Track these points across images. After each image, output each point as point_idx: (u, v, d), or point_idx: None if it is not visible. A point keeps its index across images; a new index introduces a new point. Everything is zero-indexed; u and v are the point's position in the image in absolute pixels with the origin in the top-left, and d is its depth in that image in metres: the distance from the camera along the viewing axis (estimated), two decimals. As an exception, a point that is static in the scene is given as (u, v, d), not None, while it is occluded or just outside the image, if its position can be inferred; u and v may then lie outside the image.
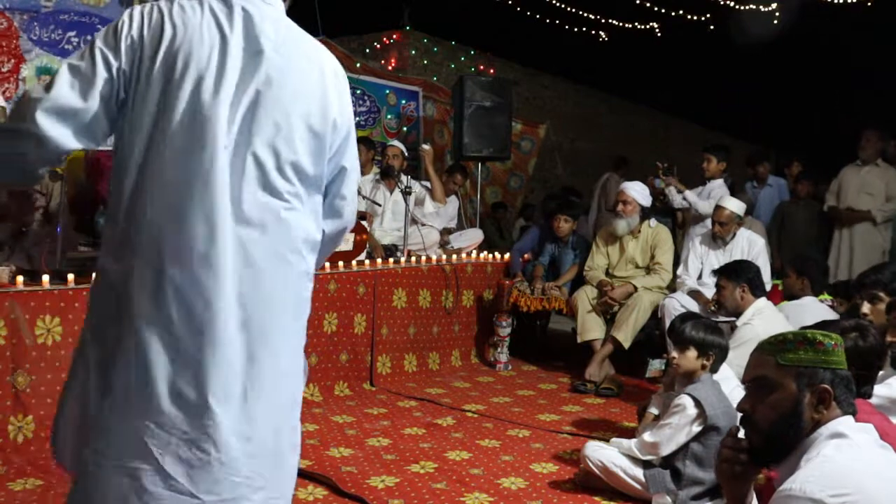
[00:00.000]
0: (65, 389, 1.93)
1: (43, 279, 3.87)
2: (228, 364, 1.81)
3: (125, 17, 1.85)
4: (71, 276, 3.94)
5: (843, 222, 7.18)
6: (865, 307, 3.69)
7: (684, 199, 6.66)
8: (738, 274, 4.61)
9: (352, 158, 2.10)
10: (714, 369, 3.58)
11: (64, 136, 1.80)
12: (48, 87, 1.80)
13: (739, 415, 2.04)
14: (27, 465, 3.62)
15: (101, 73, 1.80)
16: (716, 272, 4.83)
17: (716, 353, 3.55)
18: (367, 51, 11.64)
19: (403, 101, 9.42)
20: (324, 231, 2.07)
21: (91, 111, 1.81)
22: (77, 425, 1.89)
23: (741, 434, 2.01)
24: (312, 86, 1.95)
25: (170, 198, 1.79)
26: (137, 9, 1.86)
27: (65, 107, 1.79)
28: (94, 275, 1.96)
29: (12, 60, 6.12)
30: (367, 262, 5.48)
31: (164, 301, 1.78)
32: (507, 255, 6.72)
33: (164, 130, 1.80)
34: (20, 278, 3.85)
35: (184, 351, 1.79)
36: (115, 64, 1.82)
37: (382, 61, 11.35)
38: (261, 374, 1.86)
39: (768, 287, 5.15)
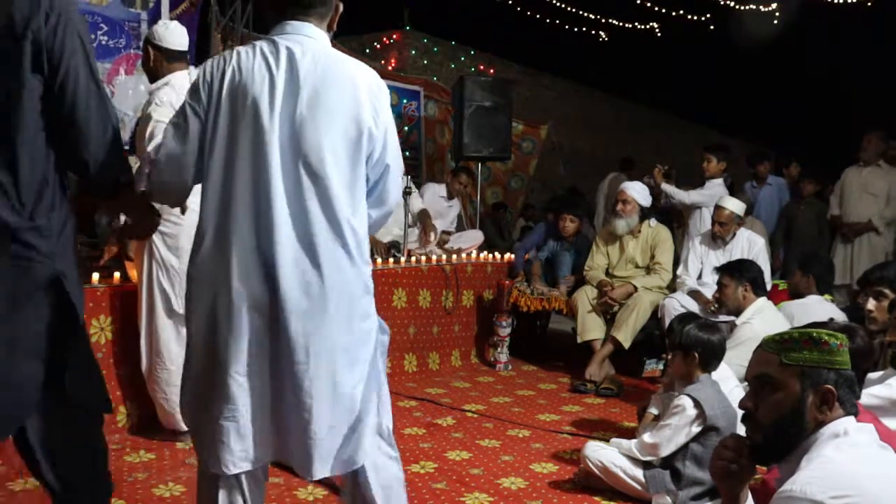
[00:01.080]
0: None
1: (43, 279, 3.86)
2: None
3: (200, 70, 2.30)
4: (71, 276, 3.93)
5: (846, 236, 7.20)
6: (870, 304, 3.68)
7: (664, 191, 6.68)
8: (741, 273, 4.60)
9: (393, 156, 2.42)
10: (709, 368, 3.56)
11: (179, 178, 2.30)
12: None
13: (739, 414, 2.04)
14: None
15: (193, 120, 2.26)
16: (718, 270, 4.81)
17: (700, 352, 3.53)
18: (368, 51, 11.65)
19: (405, 101, 9.42)
20: (370, 215, 2.42)
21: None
22: None
23: (741, 433, 2.01)
24: (347, 104, 2.29)
25: (244, 210, 2.20)
26: (208, 61, 2.30)
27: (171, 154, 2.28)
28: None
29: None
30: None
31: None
32: (507, 255, 6.72)
33: (235, 155, 2.21)
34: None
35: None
36: (198, 108, 2.26)
37: (382, 61, 11.37)
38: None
39: (768, 287, 5.15)
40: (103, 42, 6.56)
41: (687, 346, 3.54)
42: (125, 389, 4.07)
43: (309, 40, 2.31)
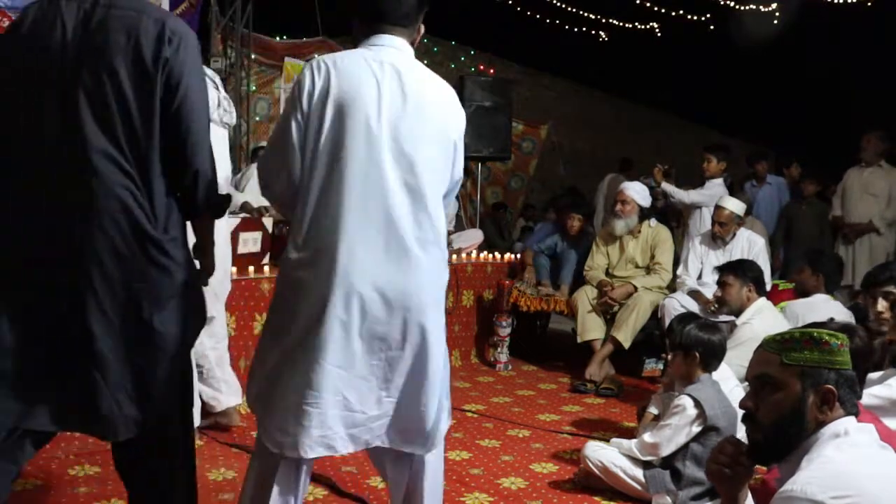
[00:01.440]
0: None
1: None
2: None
3: (299, 77, 2.36)
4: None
5: (847, 238, 7.20)
6: (881, 304, 3.65)
7: (664, 190, 6.67)
8: (745, 272, 4.57)
9: (461, 169, 2.60)
10: (709, 368, 3.56)
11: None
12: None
13: (740, 414, 2.04)
14: (27, 465, 3.61)
15: (294, 128, 2.33)
16: (720, 268, 4.78)
17: (701, 352, 3.53)
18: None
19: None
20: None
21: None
22: None
23: (741, 436, 2.01)
24: (442, 119, 2.46)
25: (351, 215, 2.31)
26: (307, 69, 2.36)
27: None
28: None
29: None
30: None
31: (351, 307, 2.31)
32: (507, 255, 6.72)
33: (343, 164, 2.31)
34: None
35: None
36: (299, 116, 2.33)
37: (383, 61, 11.34)
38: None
39: (768, 287, 5.14)
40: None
41: (688, 345, 3.54)
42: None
43: (404, 54, 2.45)
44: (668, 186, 6.67)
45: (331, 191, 2.32)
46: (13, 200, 2.20)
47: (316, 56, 2.40)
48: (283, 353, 2.37)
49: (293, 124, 2.34)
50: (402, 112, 2.36)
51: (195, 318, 2.41)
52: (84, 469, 3.64)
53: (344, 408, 2.35)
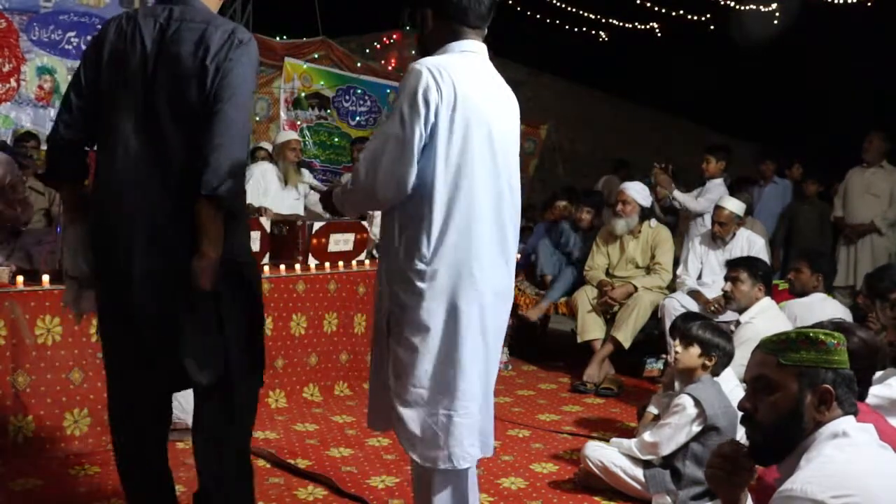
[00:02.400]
0: None
1: (43, 279, 3.87)
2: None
3: (418, 85, 2.33)
4: (71, 276, 3.93)
5: (849, 238, 7.20)
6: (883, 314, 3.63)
7: (673, 199, 6.66)
8: (757, 270, 4.54)
9: None
10: (716, 373, 3.56)
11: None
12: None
13: (740, 414, 2.04)
14: (27, 465, 3.62)
15: (418, 134, 2.33)
16: (731, 263, 4.74)
17: (718, 356, 3.53)
18: (367, 51, 11.64)
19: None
20: None
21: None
22: None
23: (741, 436, 2.01)
24: (517, 126, 2.62)
25: (479, 226, 2.42)
26: (426, 75, 2.33)
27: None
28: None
29: (13, 60, 6.12)
30: (367, 262, 5.47)
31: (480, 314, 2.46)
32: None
33: (471, 172, 2.40)
34: (20, 278, 3.85)
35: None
36: (421, 121, 2.33)
37: (382, 61, 11.36)
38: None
39: (769, 287, 5.14)
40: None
41: (708, 347, 3.53)
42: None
43: (488, 62, 2.55)
44: (679, 195, 6.65)
45: (460, 203, 2.38)
46: (100, 202, 2.53)
47: (425, 65, 2.36)
48: (434, 369, 2.43)
49: (416, 134, 2.32)
50: (502, 122, 2.50)
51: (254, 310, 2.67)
52: (84, 469, 3.65)
53: (486, 412, 2.54)
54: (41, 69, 6.29)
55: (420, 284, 2.39)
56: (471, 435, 2.44)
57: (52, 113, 6.40)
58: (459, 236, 2.39)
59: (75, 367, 3.89)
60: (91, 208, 2.58)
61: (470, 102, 2.37)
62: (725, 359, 3.57)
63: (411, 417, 2.43)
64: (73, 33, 6.40)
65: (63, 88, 6.43)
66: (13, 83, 6.11)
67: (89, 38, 6.46)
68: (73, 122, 2.53)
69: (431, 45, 2.52)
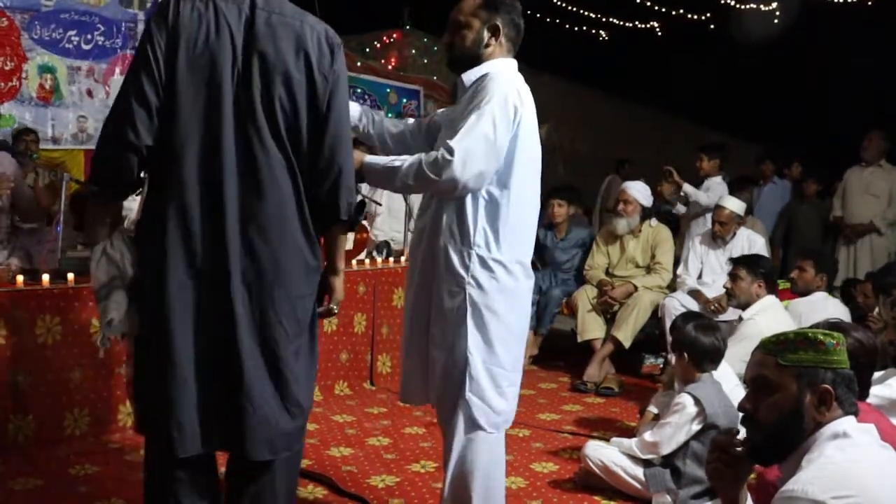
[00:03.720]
0: None
1: (43, 278, 3.87)
2: None
3: (511, 93, 2.60)
4: (70, 276, 3.93)
5: (848, 238, 7.19)
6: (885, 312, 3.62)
7: (683, 192, 6.66)
8: (757, 266, 4.54)
9: None
10: (702, 368, 3.55)
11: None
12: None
13: (740, 414, 2.04)
14: (27, 465, 3.62)
15: (506, 136, 2.59)
16: (733, 261, 4.73)
17: (690, 352, 3.52)
18: (367, 50, 11.63)
19: (404, 100, 9.44)
20: None
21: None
22: None
23: (741, 435, 2.00)
24: None
25: (533, 221, 2.80)
26: (513, 86, 2.63)
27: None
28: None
29: (14, 59, 6.12)
30: (367, 261, 5.47)
31: None
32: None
33: (536, 171, 2.75)
34: (20, 277, 3.85)
35: None
36: (507, 129, 2.58)
37: (382, 60, 11.35)
38: None
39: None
40: (100, 42, 6.56)
41: (681, 345, 3.55)
42: (126, 388, 4.07)
43: None
44: (689, 188, 6.64)
45: (529, 200, 2.73)
46: (182, 209, 2.16)
47: (510, 78, 2.67)
48: (512, 346, 2.75)
49: (505, 137, 2.58)
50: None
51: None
52: (84, 468, 3.65)
53: None
54: (42, 67, 6.28)
55: (500, 271, 2.67)
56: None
57: (52, 111, 6.40)
58: (525, 237, 2.75)
59: (75, 366, 3.89)
60: (153, 219, 2.21)
61: (529, 116, 2.67)
62: (705, 352, 3.53)
63: (489, 387, 2.69)
64: (73, 32, 6.39)
65: (63, 87, 6.43)
66: (15, 82, 6.11)
67: (89, 36, 6.48)
68: (151, 123, 2.15)
69: (483, 56, 2.73)
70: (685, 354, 3.53)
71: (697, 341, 3.51)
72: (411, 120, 3.12)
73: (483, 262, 2.65)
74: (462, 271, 2.65)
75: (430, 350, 2.76)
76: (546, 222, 6.33)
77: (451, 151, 2.51)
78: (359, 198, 2.44)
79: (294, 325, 2.26)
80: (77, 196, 5.80)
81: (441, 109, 3.09)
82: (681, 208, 6.96)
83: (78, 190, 5.63)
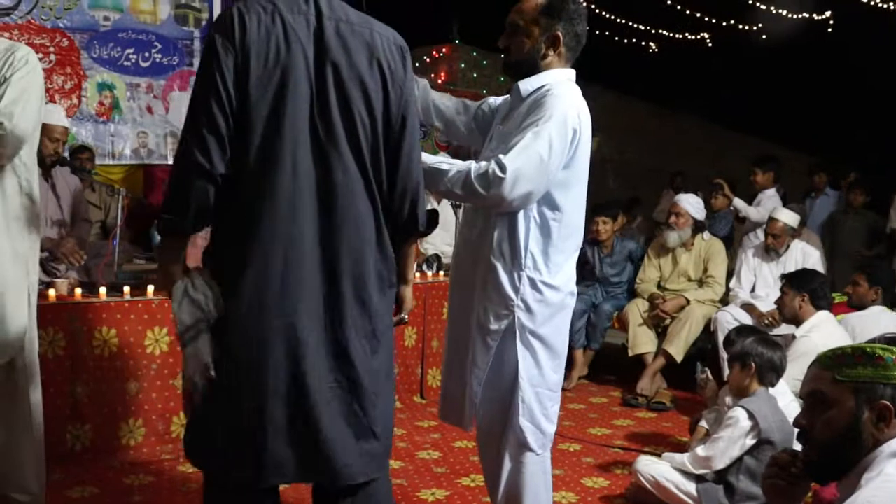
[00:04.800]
0: None
1: (100, 291, 3.95)
2: None
3: (571, 114, 2.55)
4: (127, 289, 4.02)
5: None
6: None
7: (733, 206, 6.58)
8: (801, 282, 4.45)
9: None
10: (765, 380, 3.49)
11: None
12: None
13: (795, 430, 2.01)
14: (84, 473, 3.70)
15: (561, 159, 2.55)
16: (782, 277, 4.69)
17: (758, 363, 3.47)
18: (418, 64, 11.72)
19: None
20: None
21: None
22: None
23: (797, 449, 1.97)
24: None
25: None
26: (573, 108, 2.58)
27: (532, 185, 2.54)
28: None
29: (74, 78, 6.29)
30: (417, 275, 5.49)
31: None
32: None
33: (581, 189, 2.70)
34: (78, 290, 3.94)
35: None
36: (563, 149, 2.54)
37: (432, 75, 11.42)
38: None
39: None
40: (157, 59, 6.70)
41: (744, 357, 3.48)
42: (180, 400, 4.13)
43: None
44: (740, 203, 6.57)
45: (577, 220, 2.71)
46: (259, 236, 2.04)
47: (570, 98, 2.62)
48: (555, 368, 2.74)
49: (559, 160, 2.54)
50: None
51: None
52: (139, 478, 3.71)
53: None
54: (101, 85, 6.44)
55: (549, 293, 2.64)
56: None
57: (112, 128, 6.55)
58: (573, 251, 2.72)
59: (131, 378, 3.96)
60: (228, 247, 2.11)
61: (585, 136, 2.62)
62: (773, 365, 3.49)
63: (538, 411, 2.68)
64: (131, 50, 6.54)
65: (123, 104, 6.58)
66: (74, 100, 6.27)
67: (146, 54, 6.63)
68: (223, 150, 2.02)
69: (541, 64, 2.68)
70: (752, 365, 3.47)
71: (767, 354, 3.47)
72: (456, 100, 3.07)
73: (533, 285, 2.62)
74: (512, 293, 2.61)
75: (470, 372, 2.70)
76: (591, 238, 6.27)
77: (503, 168, 2.46)
78: (429, 206, 2.40)
79: (374, 342, 2.20)
80: (134, 211, 5.93)
81: (493, 98, 2.98)
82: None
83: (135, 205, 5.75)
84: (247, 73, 2.01)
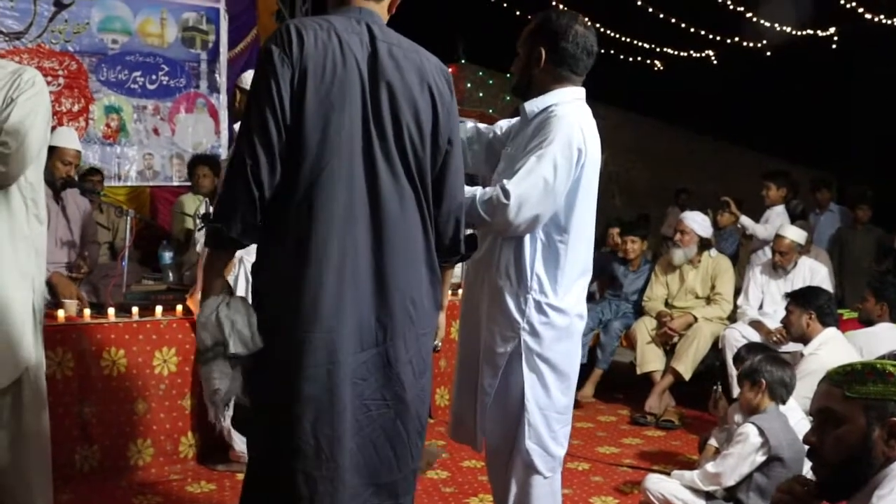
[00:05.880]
0: None
1: (109, 312, 3.96)
2: None
3: (575, 137, 2.53)
4: (135, 309, 4.03)
5: None
6: None
7: (740, 224, 6.57)
8: (807, 300, 4.45)
9: None
10: (776, 398, 3.48)
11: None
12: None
13: (805, 447, 1.99)
14: (93, 495, 3.69)
15: (565, 183, 2.53)
16: (787, 296, 4.69)
17: (769, 380, 3.46)
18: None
19: (460, 133, 9.47)
20: None
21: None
22: None
23: (806, 470, 1.96)
24: None
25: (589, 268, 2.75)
26: (577, 130, 2.54)
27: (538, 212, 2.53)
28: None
29: (82, 100, 6.33)
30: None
31: None
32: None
33: (588, 211, 2.67)
34: (87, 311, 3.96)
35: None
36: (571, 174, 2.53)
37: (438, 94, 11.45)
38: None
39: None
40: (164, 82, 6.76)
41: (755, 374, 3.47)
42: (188, 420, 4.14)
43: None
44: (747, 221, 6.57)
45: (585, 241, 2.69)
46: (313, 252, 2.03)
47: (574, 118, 2.58)
48: (564, 393, 2.73)
49: (564, 183, 2.53)
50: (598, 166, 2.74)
51: None
52: (147, 499, 3.71)
53: None
54: (108, 108, 6.49)
55: (556, 316, 2.61)
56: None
57: (119, 150, 6.59)
58: (581, 272, 2.68)
59: (139, 398, 3.97)
60: (282, 264, 2.07)
61: (592, 155, 2.59)
62: (783, 382, 3.48)
63: (546, 434, 2.66)
64: (138, 73, 6.60)
65: (129, 126, 6.63)
66: (82, 122, 6.32)
67: (154, 76, 6.68)
68: (274, 164, 2.01)
69: (536, 83, 2.68)
70: (762, 381, 3.46)
71: (775, 371, 3.46)
72: (470, 124, 3.05)
73: (539, 308, 2.60)
74: (517, 316, 2.60)
75: (479, 394, 2.69)
76: (621, 256, 6.32)
77: (507, 194, 2.46)
78: (468, 231, 2.40)
79: (421, 363, 2.19)
80: (142, 231, 5.95)
81: (504, 122, 2.96)
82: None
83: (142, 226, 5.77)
84: (303, 86, 2.00)
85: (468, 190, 2.53)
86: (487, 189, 2.54)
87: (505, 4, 11.09)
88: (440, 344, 2.52)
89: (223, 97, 7.00)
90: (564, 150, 2.51)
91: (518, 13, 10.37)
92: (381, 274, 2.08)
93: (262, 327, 2.05)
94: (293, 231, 2.05)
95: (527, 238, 2.59)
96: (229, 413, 2.24)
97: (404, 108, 2.10)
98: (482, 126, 3.04)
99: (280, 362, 2.04)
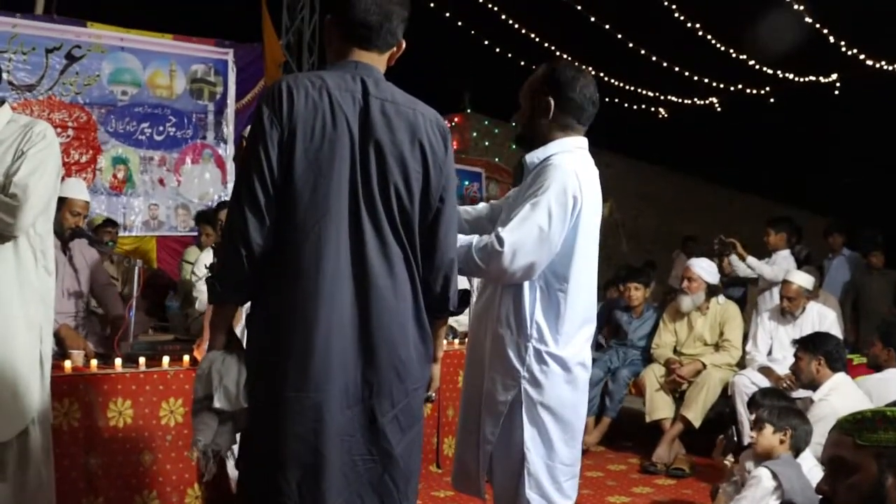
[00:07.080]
0: None
1: (115, 363, 3.96)
2: None
3: (570, 185, 2.52)
4: (142, 360, 4.02)
5: None
6: None
7: (749, 266, 6.56)
8: (815, 346, 4.43)
9: None
10: (796, 450, 3.45)
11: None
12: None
13: (818, 497, 1.97)
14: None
15: (562, 231, 2.52)
16: (795, 342, 4.66)
17: (793, 429, 3.43)
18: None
19: (466, 182, 9.54)
20: None
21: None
22: None
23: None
24: None
25: (592, 316, 2.72)
26: (573, 178, 2.53)
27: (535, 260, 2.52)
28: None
29: (90, 151, 6.40)
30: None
31: None
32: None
33: (588, 260, 2.64)
34: (94, 362, 3.95)
35: None
36: (567, 222, 2.52)
37: (444, 143, 11.54)
38: None
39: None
40: (171, 133, 6.84)
41: (781, 421, 3.45)
42: (195, 471, 4.10)
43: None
44: (753, 261, 6.57)
45: (587, 288, 2.65)
46: (299, 308, 2.08)
47: (571, 167, 2.58)
48: (567, 442, 2.68)
49: (561, 231, 2.52)
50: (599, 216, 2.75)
51: None
52: None
53: None
54: (116, 159, 6.56)
55: (556, 365, 2.58)
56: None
57: (125, 201, 6.65)
58: (583, 320, 2.63)
59: (145, 449, 3.94)
60: (270, 321, 2.13)
61: (590, 203, 2.59)
62: (805, 437, 3.46)
63: (548, 484, 2.61)
64: (146, 124, 6.69)
65: (136, 177, 6.69)
66: (89, 173, 6.38)
67: (161, 128, 6.76)
68: (265, 224, 2.06)
69: (542, 133, 2.70)
70: (788, 430, 3.44)
71: (800, 425, 3.46)
72: (482, 205, 3.07)
73: (539, 357, 2.57)
74: (518, 364, 2.58)
75: (482, 442, 2.67)
76: (624, 305, 6.33)
77: (501, 242, 2.46)
78: (462, 287, 2.39)
79: (409, 417, 2.20)
80: (149, 282, 5.97)
81: (515, 189, 2.97)
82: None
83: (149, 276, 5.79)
84: (292, 147, 2.05)
85: (464, 238, 2.54)
86: (483, 237, 2.54)
87: (510, 55, 11.23)
88: (434, 395, 2.53)
89: (230, 147, 7.07)
90: (560, 198, 2.51)
91: (523, 63, 10.50)
92: (367, 333, 2.11)
93: (251, 382, 2.11)
94: (284, 292, 2.09)
95: (526, 286, 2.57)
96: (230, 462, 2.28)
97: (392, 167, 2.12)
98: (494, 202, 3.07)
99: (267, 419, 2.08)
